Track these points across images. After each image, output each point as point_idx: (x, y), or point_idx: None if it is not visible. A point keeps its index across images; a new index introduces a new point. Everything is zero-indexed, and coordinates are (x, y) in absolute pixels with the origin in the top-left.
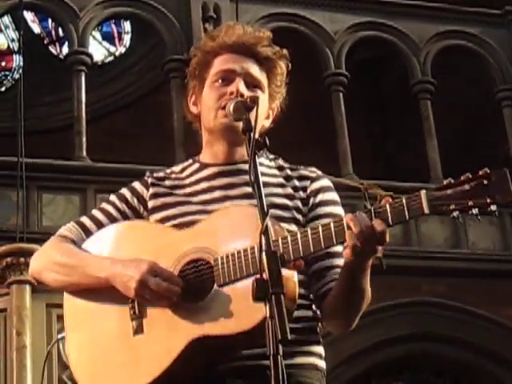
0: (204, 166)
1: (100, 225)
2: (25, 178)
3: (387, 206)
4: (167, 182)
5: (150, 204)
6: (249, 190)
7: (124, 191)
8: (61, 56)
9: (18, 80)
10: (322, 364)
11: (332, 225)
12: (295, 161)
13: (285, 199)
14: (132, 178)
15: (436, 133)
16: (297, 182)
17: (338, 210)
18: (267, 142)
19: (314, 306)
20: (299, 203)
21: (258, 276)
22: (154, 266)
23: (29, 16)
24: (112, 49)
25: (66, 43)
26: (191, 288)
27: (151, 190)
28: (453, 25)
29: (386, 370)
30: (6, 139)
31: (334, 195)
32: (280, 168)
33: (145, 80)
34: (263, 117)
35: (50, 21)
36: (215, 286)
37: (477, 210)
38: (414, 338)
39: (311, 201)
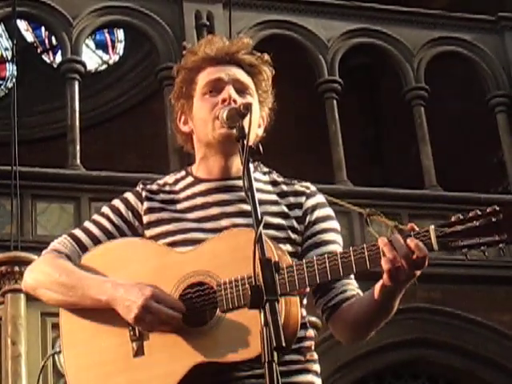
0: (198, 181)
1: (95, 240)
2: (19, 186)
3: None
4: (161, 196)
5: (145, 219)
6: (244, 207)
7: (118, 204)
8: (54, 64)
9: (11, 89)
10: (318, 382)
11: (352, 253)
12: (289, 167)
13: (279, 218)
14: (126, 186)
15: (430, 139)
16: (292, 199)
17: (335, 224)
18: (261, 149)
19: (308, 324)
20: (294, 222)
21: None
22: (156, 292)
23: (22, 25)
24: (105, 57)
25: (60, 52)
26: (193, 312)
27: (145, 205)
28: (446, 31)
29: (382, 376)
30: None
31: (329, 211)
32: (274, 183)
33: (138, 88)
34: (256, 124)
35: (43, 29)
36: (218, 312)
37: (485, 247)
38: (409, 344)
39: (307, 218)
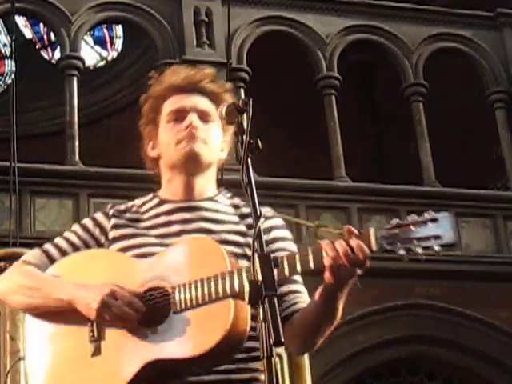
0: (163, 202)
1: (63, 253)
2: (17, 182)
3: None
4: (128, 215)
5: (111, 235)
6: (204, 225)
7: (86, 221)
8: (53, 61)
9: (10, 85)
10: None
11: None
12: (288, 164)
13: (237, 236)
14: (124, 182)
15: (428, 135)
16: (250, 220)
17: (292, 245)
18: (260, 145)
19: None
20: (251, 240)
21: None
22: (115, 290)
23: (21, 21)
24: (104, 53)
25: (58, 48)
26: (149, 314)
27: (112, 221)
28: (445, 27)
29: (380, 372)
30: None
31: (287, 233)
32: (235, 206)
33: (137, 84)
34: (218, 149)
35: (41, 25)
36: (171, 313)
37: (421, 249)
38: (407, 340)
39: (264, 238)
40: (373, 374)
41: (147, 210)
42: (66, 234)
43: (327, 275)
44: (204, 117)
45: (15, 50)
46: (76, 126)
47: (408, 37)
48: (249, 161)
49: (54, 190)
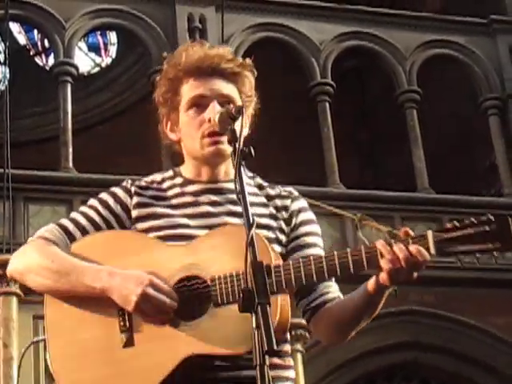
0: (188, 182)
1: (83, 230)
2: (11, 189)
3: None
4: (150, 192)
5: (134, 213)
6: (233, 208)
7: (106, 197)
8: (47, 67)
9: (3, 91)
10: None
11: (363, 251)
12: (282, 170)
13: (269, 219)
14: None
15: (422, 142)
16: (278, 202)
17: (317, 228)
18: (252, 152)
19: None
20: (282, 223)
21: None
22: (154, 281)
23: (14, 27)
24: (98, 60)
25: (52, 54)
26: (186, 305)
27: (135, 200)
28: (438, 34)
29: (375, 379)
30: None
31: (312, 215)
32: (260, 187)
33: (131, 91)
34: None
35: (35, 32)
36: (211, 306)
37: (480, 253)
38: (402, 346)
39: (293, 220)
40: (367, 380)
41: (170, 187)
42: (84, 209)
43: (384, 278)
44: (226, 102)
45: (9, 56)
46: (70, 133)
47: (402, 43)
48: (242, 168)
49: (48, 197)
